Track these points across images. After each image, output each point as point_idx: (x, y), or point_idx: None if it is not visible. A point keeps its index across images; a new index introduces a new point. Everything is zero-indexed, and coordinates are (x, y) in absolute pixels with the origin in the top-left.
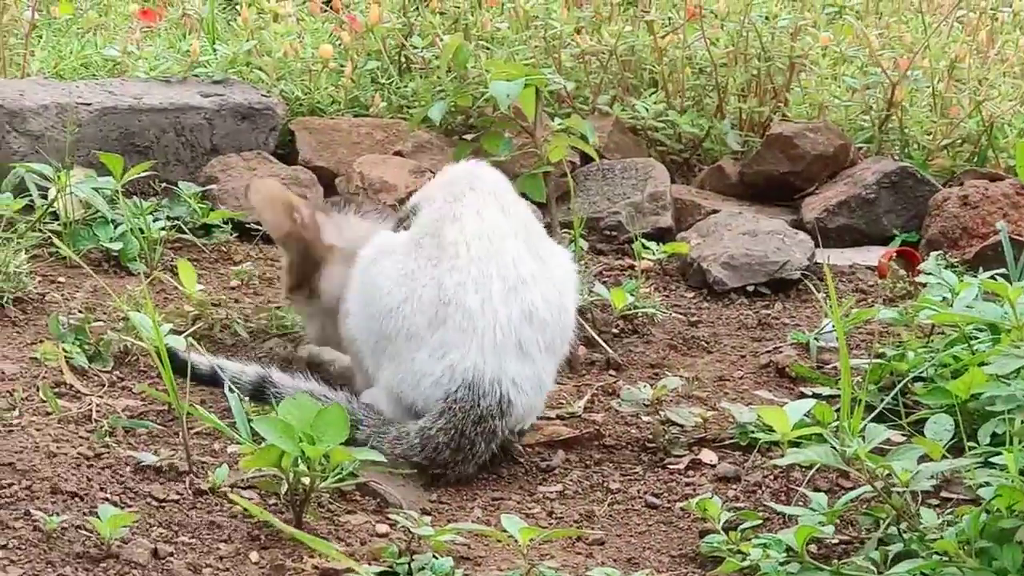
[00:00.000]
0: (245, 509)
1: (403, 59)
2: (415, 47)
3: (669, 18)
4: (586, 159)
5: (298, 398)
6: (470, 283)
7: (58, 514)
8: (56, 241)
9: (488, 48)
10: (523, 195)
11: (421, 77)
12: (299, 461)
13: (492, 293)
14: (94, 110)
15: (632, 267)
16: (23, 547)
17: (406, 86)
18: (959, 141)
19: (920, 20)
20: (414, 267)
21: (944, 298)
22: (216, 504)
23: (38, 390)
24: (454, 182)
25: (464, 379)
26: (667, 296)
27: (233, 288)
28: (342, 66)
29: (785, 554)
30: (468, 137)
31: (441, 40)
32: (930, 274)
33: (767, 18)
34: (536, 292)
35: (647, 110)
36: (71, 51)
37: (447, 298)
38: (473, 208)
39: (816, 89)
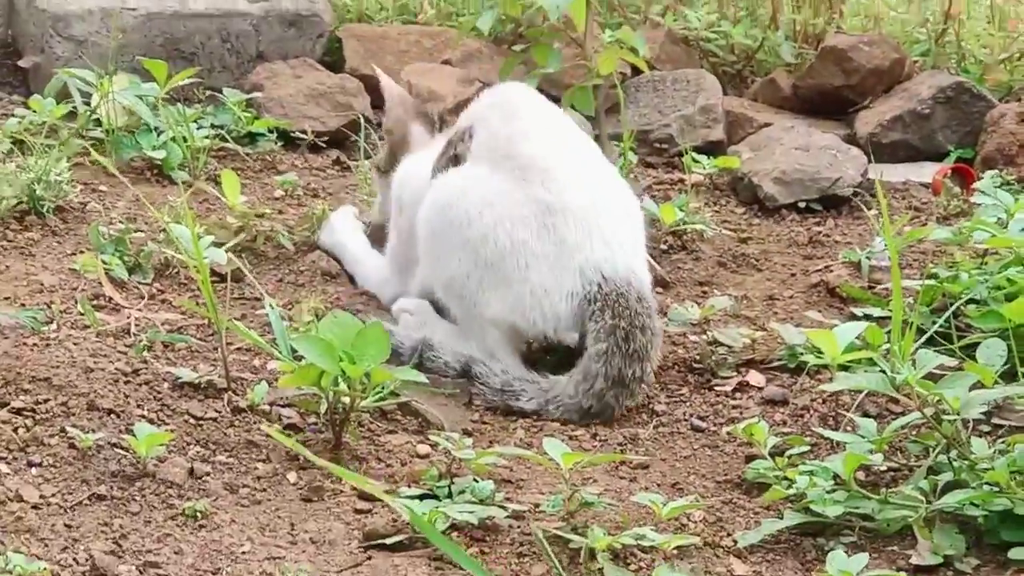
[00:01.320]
0: (285, 428)
1: None
2: None
3: None
4: (637, 70)
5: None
6: (570, 187)
7: (94, 431)
8: (94, 153)
9: None
10: (572, 107)
11: None
12: (339, 380)
13: (594, 193)
14: (139, 15)
15: (682, 181)
16: (58, 465)
17: None
18: (1017, 55)
19: None
20: (502, 187)
21: (999, 218)
22: (255, 422)
23: (77, 302)
24: (503, 103)
25: (601, 272)
26: (717, 211)
27: (277, 198)
28: None
29: (832, 482)
30: (517, 48)
31: None
32: (985, 193)
33: None
34: (619, 193)
35: (699, 20)
36: None
37: (552, 207)
38: (535, 124)
39: (871, 0)
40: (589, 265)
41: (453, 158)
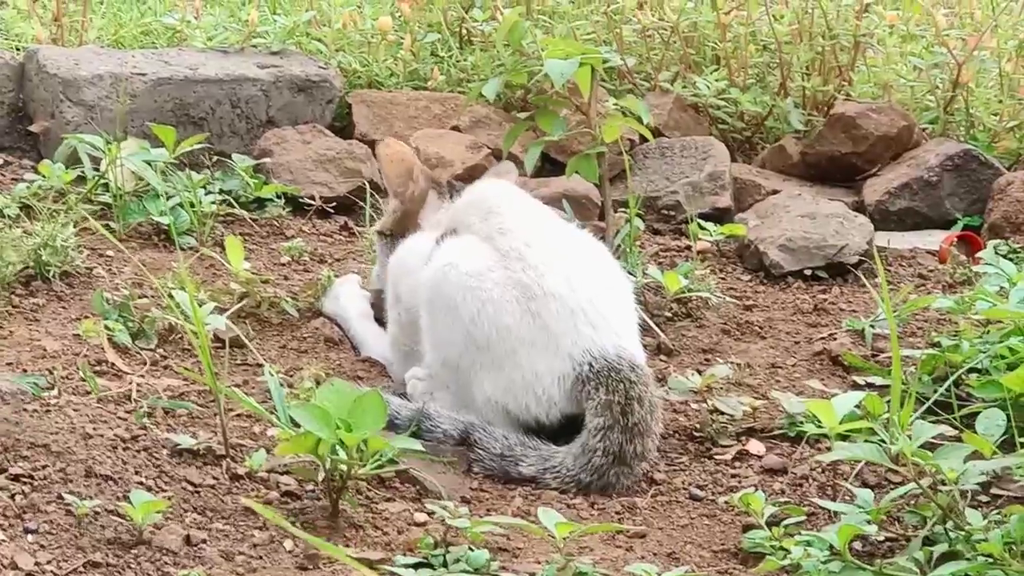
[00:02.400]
0: (283, 496)
1: (463, 32)
2: (475, 20)
3: None
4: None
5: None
6: (549, 273)
7: (91, 498)
8: (93, 223)
9: (549, 22)
10: (577, 174)
11: (481, 51)
12: (336, 448)
13: (575, 276)
14: (149, 80)
15: (689, 248)
16: (54, 532)
17: (466, 59)
18: None
19: None
20: (482, 268)
21: (1001, 288)
22: (252, 489)
23: (79, 368)
24: (480, 201)
25: (590, 353)
26: (723, 279)
27: (283, 264)
28: (401, 38)
29: (827, 552)
30: (523, 115)
31: (502, 13)
32: (988, 263)
33: None
34: (603, 270)
35: (708, 88)
36: (130, 19)
37: (531, 293)
38: (512, 217)
39: (881, 68)
40: (577, 349)
41: None
